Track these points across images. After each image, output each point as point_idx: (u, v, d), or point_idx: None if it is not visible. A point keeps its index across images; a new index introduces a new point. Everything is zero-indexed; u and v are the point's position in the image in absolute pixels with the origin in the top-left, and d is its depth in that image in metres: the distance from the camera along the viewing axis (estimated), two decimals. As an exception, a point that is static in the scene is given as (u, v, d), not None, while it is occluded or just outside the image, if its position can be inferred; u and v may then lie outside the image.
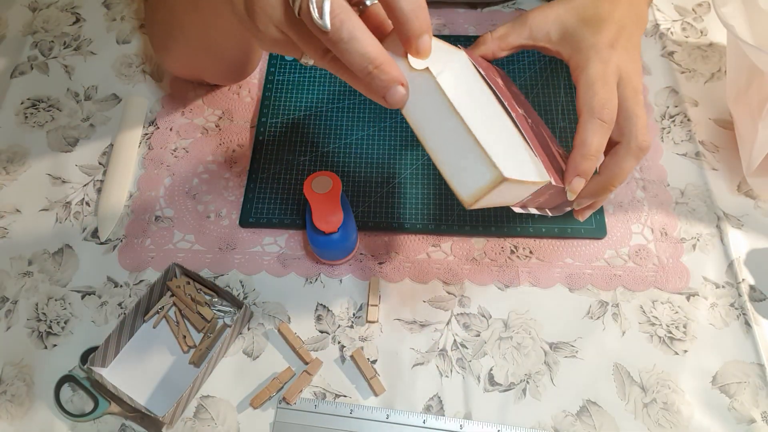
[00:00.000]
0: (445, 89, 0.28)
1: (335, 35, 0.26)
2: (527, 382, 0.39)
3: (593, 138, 0.33)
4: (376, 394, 0.39)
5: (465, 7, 0.56)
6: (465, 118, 0.27)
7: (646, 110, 0.50)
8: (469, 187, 0.28)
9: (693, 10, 0.56)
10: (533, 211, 0.35)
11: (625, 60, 0.34)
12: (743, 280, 0.43)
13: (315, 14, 0.26)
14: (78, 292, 0.43)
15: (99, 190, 0.48)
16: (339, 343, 0.41)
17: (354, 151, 0.48)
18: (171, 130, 0.50)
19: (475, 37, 0.54)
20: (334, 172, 0.44)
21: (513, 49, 0.37)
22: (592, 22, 0.35)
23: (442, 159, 0.28)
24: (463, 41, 0.54)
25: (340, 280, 0.43)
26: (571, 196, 0.34)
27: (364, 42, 0.26)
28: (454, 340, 0.41)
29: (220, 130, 0.50)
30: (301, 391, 0.39)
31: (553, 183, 0.32)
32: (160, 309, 0.42)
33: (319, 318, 0.42)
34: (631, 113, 0.33)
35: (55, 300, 0.43)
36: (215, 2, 0.34)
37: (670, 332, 0.41)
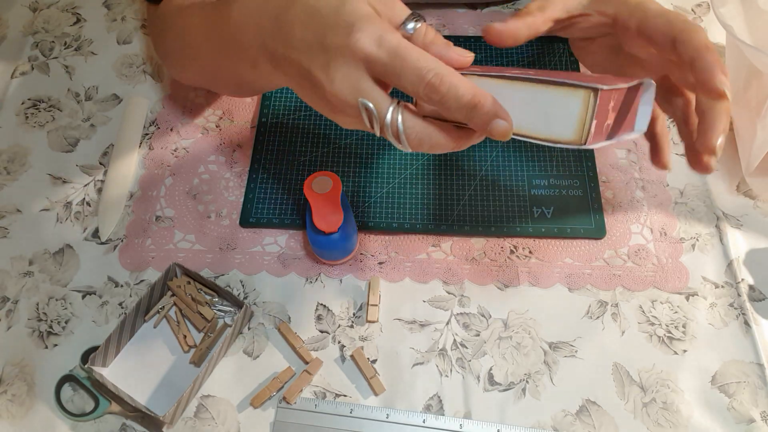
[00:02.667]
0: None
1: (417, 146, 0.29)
2: (527, 381, 0.40)
3: (725, 110, 0.30)
4: (376, 394, 0.39)
5: (465, 8, 0.57)
6: (521, 76, 0.28)
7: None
8: (571, 124, 0.27)
9: (692, 10, 0.56)
10: (626, 137, 0.31)
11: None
12: (742, 279, 0.43)
13: (394, 141, 0.29)
14: (79, 291, 0.44)
15: (100, 190, 0.48)
16: (339, 342, 0.41)
17: (354, 151, 0.48)
18: (172, 130, 0.51)
19: (476, 37, 0.54)
20: (334, 172, 0.44)
21: (552, 22, 0.34)
22: None
23: (539, 128, 0.28)
24: (463, 41, 0.54)
25: (340, 280, 0.43)
26: (706, 169, 0.31)
27: (453, 105, 0.27)
28: (454, 340, 0.41)
29: (220, 130, 0.50)
30: (302, 390, 0.39)
31: (624, 85, 0.29)
32: (161, 309, 0.42)
33: (319, 318, 0.42)
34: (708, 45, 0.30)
35: (56, 300, 0.43)
36: (252, 59, 0.33)
37: (670, 332, 0.41)
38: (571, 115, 0.27)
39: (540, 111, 0.28)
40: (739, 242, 0.44)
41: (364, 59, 0.28)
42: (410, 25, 0.29)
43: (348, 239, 0.41)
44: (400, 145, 0.29)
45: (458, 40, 0.54)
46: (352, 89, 0.28)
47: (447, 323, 0.42)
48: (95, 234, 0.46)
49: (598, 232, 0.44)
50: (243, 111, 0.51)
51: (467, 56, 0.29)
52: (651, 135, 0.35)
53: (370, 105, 0.28)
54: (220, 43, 0.37)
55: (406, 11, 0.30)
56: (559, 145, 0.28)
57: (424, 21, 0.30)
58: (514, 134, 0.29)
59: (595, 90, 0.26)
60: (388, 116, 0.28)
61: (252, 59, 0.33)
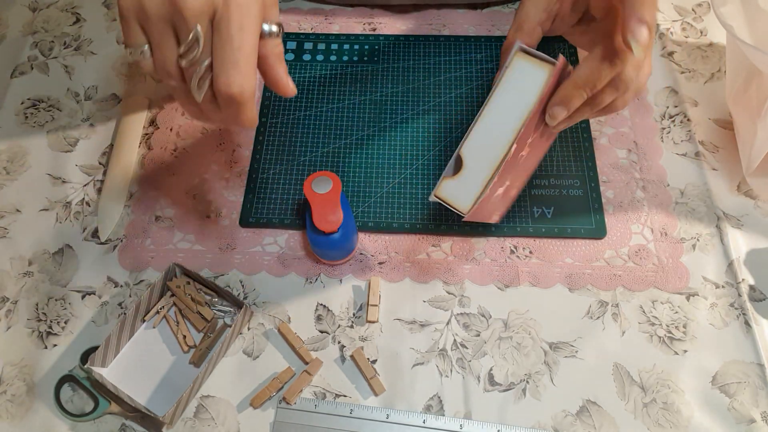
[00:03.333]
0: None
1: (203, 104, 0.30)
2: (527, 381, 0.39)
3: (624, 96, 0.33)
4: (376, 394, 0.39)
5: (465, 8, 0.57)
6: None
7: (646, 110, 0.50)
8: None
9: (693, 10, 0.56)
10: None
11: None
12: (743, 280, 0.43)
13: (194, 89, 0.29)
14: (78, 292, 0.44)
15: (99, 190, 0.48)
16: (339, 342, 0.41)
17: (354, 151, 0.48)
18: (171, 130, 0.50)
19: (476, 37, 0.54)
20: (334, 172, 0.44)
21: (538, 31, 0.35)
22: None
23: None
24: (463, 41, 0.54)
25: (340, 280, 0.43)
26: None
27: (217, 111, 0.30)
28: (454, 340, 0.41)
29: (220, 130, 0.50)
30: (301, 390, 0.39)
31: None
32: (161, 309, 0.42)
33: (319, 318, 0.42)
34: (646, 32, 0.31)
35: (56, 300, 0.43)
36: None
37: (670, 332, 0.41)
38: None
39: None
40: (740, 242, 0.44)
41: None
42: (266, 27, 0.30)
43: (348, 239, 0.41)
44: (194, 90, 0.29)
45: (458, 40, 0.54)
46: (203, 6, 0.27)
47: (447, 323, 0.42)
48: (95, 234, 0.46)
49: (598, 232, 0.44)
50: (243, 111, 0.51)
51: (292, 89, 0.32)
52: None
53: (201, 38, 0.28)
54: None
55: (277, 17, 0.31)
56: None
57: (282, 28, 0.31)
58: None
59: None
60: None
61: None
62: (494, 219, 0.41)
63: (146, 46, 0.29)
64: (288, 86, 0.32)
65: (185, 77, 0.29)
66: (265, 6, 0.30)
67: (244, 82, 0.28)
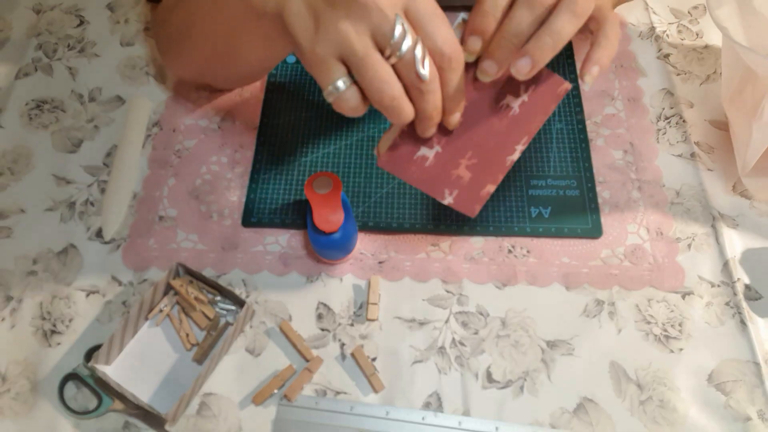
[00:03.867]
0: None
1: (428, 86, 0.29)
2: (525, 379, 0.40)
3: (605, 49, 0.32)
4: (375, 391, 0.40)
5: (464, 11, 0.57)
6: None
7: (642, 112, 0.51)
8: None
9: (688, 12, 0.57)
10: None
11: None
12: (738, 279, 0.43)
13: (419, 66, 0.28)
14: (82, 291, 0.44)
15: (103, 191, 0.48)
16: (339, 340, 0.42)
17: (354, 152, 0.49)
18: (174, 131, 0.51)
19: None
20: (335, 173, 0.45)
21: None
22: None
23: None
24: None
25: (341, 279, 0.44)
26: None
27: (438, 96, 0.30)
28: (453, 338, 0.41)
29: (222, 131, 0.51)
30: (302, 388, 0.40)
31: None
32: (164, 307, 0.43)
33: (319, 316, 0.43)
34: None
35: (60, 299, 0.44)
36: (254, 4, 0.33)
37: (666, 331, 0.41)
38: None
39: None
40: (735, 242, 0.44)
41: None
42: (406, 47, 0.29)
43: (348, 239, 0.41)
44: (423, 70, 0.29)
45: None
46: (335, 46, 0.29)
47: (446, 321, 0.42)
48: (99, 234, 0.46)
49: (595, 232, 0.45)
50: (245, 112, 0.52)
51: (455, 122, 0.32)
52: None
53: (404, 26, 0.28)
54: (213, 18, 0.37)
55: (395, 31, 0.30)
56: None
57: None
58: None
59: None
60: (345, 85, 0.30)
61: (258, 9, 0.32)
62: (462, 207, 0.34)
63: (343, 78, 0.30)
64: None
65: (402, 76, 0.29)
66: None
67: (458, 45, 0.29)
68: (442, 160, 0.33)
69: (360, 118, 0.51)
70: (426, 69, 0.29)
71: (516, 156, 0.33)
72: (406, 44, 0.28)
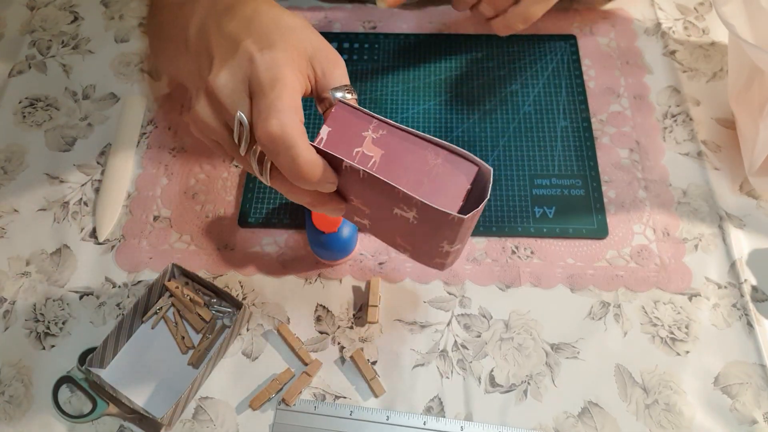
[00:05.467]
0: None
1: (271, 181, 0.30)
2: (528, 383, 0.39)
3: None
4: (376, 396, 0.39)
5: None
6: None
7: (648, 110, 0.50)
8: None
9: (695, 9, 0.56)
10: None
11: None
12: (745, 280, 0.42)
13: (256, 172, 0.29)
14: (76, 292, 0.43)
15: (97, 190, 0.48)
16: (339, 344, 0.41)
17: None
18: (169, 129, 0.50)
19: (476, 36, 0.54)
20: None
21: None
22: None
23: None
24: (463, 41, 0.54)
25: (340, 281, 0.43)
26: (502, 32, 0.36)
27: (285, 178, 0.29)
28: (455, 341, 0.41)
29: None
30: (301, 392, 0.39)
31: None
32: (159, 310, 0.42)
33: (318, 319, 0.42)
34: None
35: (53, 300, 0.43)
36: (176, 40, 0.33)
37: (672, 333, 0.41)
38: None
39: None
40: (742, 242, 0.44)
41: (251, 73, 0.28)
42: (339, 94, 0.30)
43: (348, 239, 0.40)
44: (260, 175, 0.29)
45: (458, 40, 0.54)
46: (231, 95, 0.28)
47: (448, 324, 0.41)
48: (93, 234, 0.46)
49: (600, 233, 0.44)
50: (242, 110, 0.51)
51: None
52: None
53: (245, 119, 0.28)
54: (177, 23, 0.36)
55: (345, 80, 0.30)
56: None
57: (355, 96, 0.30)
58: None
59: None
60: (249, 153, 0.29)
61: (191, 33, 0.32)
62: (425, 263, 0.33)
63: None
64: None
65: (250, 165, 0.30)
66: (323, 72, 0.29)
67: (283, 120, 0.26)
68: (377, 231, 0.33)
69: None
70: (264, 177, 0.29)
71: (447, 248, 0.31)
72: (242, 148, 0.29)
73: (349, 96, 0.30)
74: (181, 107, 0.51)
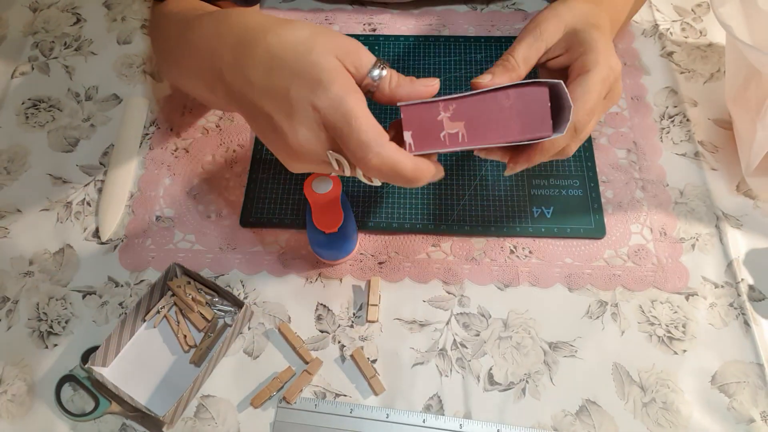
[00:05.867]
0: None
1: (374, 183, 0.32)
2: (527, 381, 0.40)
3: (561, 141, 0.34)
4: (376, 394, 0.39)
5: (465, 6, 0.57)
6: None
7: (646, 111, 0.50)
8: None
9: (692, 10, 0.56)
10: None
11: (616, 66, 0.34)
12: (742, 279, 0.43)
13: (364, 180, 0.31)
14: (79, 291, 0.44)
15: (100, 190, 0.48)
16: (339, 342, 0.41)
17: (354, 152, 0.48)
18: (171, 130, 0.51)
19: (476, 38, 0.54)
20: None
21: (531, 67, 0.36)
22: (598, 27, 0.35)
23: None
24: (463, 41, 0.54)
25: (341, 280, 0.43)
26: (507, 173, 0.36)
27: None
28: (454, 340, 0.41)
29: (220, 130, 0.50)
30: (302, 390, 0.39)
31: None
32: (161, 309, 0.42)
33: (319, 317, 0.42)
34: (590, 101, 0.33)
35: (56, 300, 0.43)
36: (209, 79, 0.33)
37: (669, 332, 0.41)
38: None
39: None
40: (739, 242, 0.44)
41: (322, 118, 0.29)
42: (375, 73, 0.30)
43: (348, 239, 0.41)
44: (370, 182, 0.32)
45: (458, 40, 0.54)
46: (318, 143, 0.29)
47: (447, 323, 0.42)
48: (95, 234, 0.46)
49: (598, 232, 0.44)
50: (243, 111, 0.51)
51: (433, 84, 0.31)
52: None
53: (341, 158, 0.30)
54: (183, 59, 0.37)
55: (372, 59, 0.30)
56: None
57: (389, 66, 0.31)
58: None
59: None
60: (358, 170, 0.31)
61: (209, 84, 0.33)
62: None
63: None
64: (430, 88, 0.31)
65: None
66: (354, 67, 0.30)
67: (378, 151, 0.29)
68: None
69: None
70: (376, 182, 0.31)
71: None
72: (347, 171, 0.31)
73: (384, 72, 0.30)
74: (183, 108, 0.52)
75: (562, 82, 0.30)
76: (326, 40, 0.30)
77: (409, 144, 0.30)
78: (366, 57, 0.30)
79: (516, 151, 0.35)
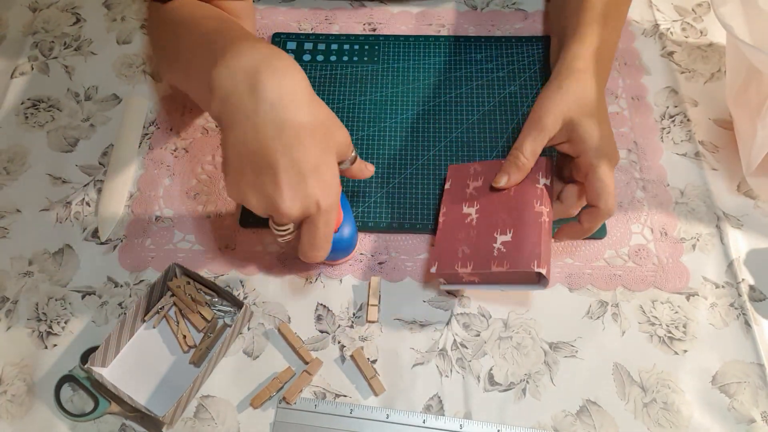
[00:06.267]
0: None
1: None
2: (527, 381, 0.39)
3: (596, 224, 0.38)
4: (376, 394, 0.39)
5: (466, 6, 0.57)
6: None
7: (646, 110, 0.50)
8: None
9: (693, 10, 0.56)
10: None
11: (614, 146, 0.38)
12: (743, 280, 0.43)
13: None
14: (78, 292, 0.44)
15: (99, 190, 0.48)
16: (339, 342, 0.41)
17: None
18: (171, 130, 0.50)
19: (476, 38, 0.54)
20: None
21: (537, 156, 0.40)
22: (592, 115, 0.38)
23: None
24: (463, 41, 0.54)
25: (340, 280, 0.43)
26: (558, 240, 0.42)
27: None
28: (454, 340, 0.41)
29: (220, 129, 0.50)
30: (301, 390, 0.39)
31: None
32: (161, 309, 0.42)
33: (319, 318, 0.42)
34: (609, 188, 0.37)
35: (56, 300, 0.43)
36: (202, 93, 0.35)
37: (670, 332, 0.41)
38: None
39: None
40: (740, 242, 0.44)
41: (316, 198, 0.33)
42: (351, 157, 0.37)
43: (348, 239, 0.41)
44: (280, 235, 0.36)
45: (458, 40, 0.54)
46: (295, 216, 0.33)
47: (447, 323, 0.42)
48: (95, 234, 0.46)
49: (598, 232, 0.44)
50: (243, 111, 0.51)
51: (370, 170, 0.39)
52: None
53: (287, 233, 0.35)
54: (182, 62, 0.38)
55: (352, 152, 0.37)
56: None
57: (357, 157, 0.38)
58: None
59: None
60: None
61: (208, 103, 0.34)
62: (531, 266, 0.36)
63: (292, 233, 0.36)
64: (369, 171, 0.40)
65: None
66: (340, 155, 0.35)
67: (325, 253, 0.35)
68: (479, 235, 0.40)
69: (360, 118, 0.50)
70: (283, 244, 0.38)
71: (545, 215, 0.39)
72: (284, 235, 0.36)
73: (351, 156, 0.37)
74: (183, 108, 0.52)
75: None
76: (340, 139, 0.35)
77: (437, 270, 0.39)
78: (351, 149, 0.37)
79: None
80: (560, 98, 0.38)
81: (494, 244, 0.38)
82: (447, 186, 0.43)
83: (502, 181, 0.40)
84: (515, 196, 0.40)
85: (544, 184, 0.40)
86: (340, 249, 0.41)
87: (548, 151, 0.41)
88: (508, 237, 0.38)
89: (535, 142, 0.38)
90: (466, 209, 0.41)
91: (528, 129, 0.39)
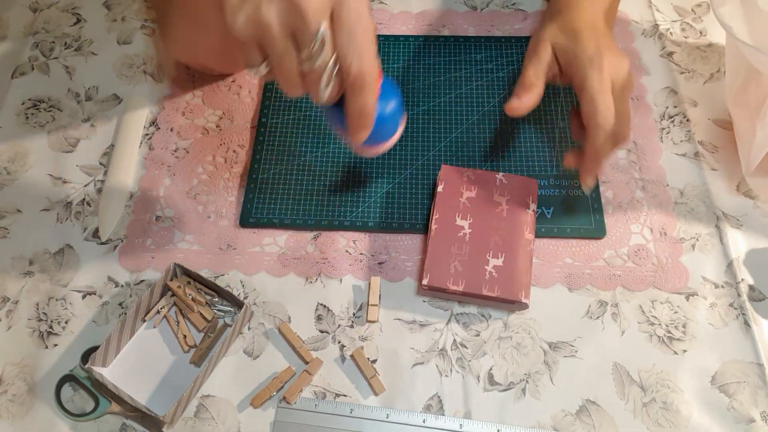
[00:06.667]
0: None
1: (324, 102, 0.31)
2: (527, 381, 0.40)
3: (600, 145, 0.37)
4: (376, 394, 0.39)
5: (465, 7, 0.57)
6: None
7: (646, 111, 0.50)
8: None
9: (692, 10, 0.56)
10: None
11: (613, 61, 0.37)
12: (742, 279, 0.43)
13: (322, 88, 0.29)
14: (79, 292, 0.44)
15: (100, 191, 0.48)
16: (339, 342, 0.41)
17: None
18: (171, 130, 0.51)
19: (475, 38, 0.54)
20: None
21: (545, 82, 0.40)
22: (576, 32, 0.38)
23: None
24: (463, 41, 0.54)
25: (340, 280, 0.43)
26: (586, 190, 0.42)
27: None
28: (454, 340, 0.41)
29: (220, 130, 0.50)
30: (302, 390, 0.39)
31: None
32: (161, 309, 0.42)
33: (319, 317, 0.42)
34: (619, 111, 0.36)
35: (56, 300, 0.43)
36: None
37: (670, 332, 0.41)
38: None
39: None
40: (739, 242, 0.44)
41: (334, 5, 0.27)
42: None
43: (393, 115, 0.34)
44: (318, 91, 0.30)
45: (458, 40, 0.54)
46: (321, 7, 0.27)
47: (447, 323, 0.42)
48: (95, 234, 0.46)
49: (598, 232, 0.44)
50: (243, 111, 0.51)
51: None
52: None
53: (328, 37, 0.28)
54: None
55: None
56: None
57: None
58: None
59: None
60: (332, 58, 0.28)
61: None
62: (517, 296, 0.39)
63: (264, 65, 0.29)
64: None
65: (308, 82, 0.30)
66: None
67: (373, 63, 0.29)
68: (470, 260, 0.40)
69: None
70: (326, 93, 0.29)
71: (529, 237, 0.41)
72: (320, 60, 0.28)
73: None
74: (183, 108, 0.52)
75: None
76: None
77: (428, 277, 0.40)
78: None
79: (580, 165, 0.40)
80: (545, 31, 0.39)
81: (486, 267, 0.40)
82: (440, 189, 0.43)
83: (514, 104, 0.38)
84: (508, 218, 0.41)
85: (533, 210, 0.42)
86: (386, 125, 0.34)
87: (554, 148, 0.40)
88: (499, 262, 0.40)
89: (536, 69, 0.39)
90: (459, 221, 0.41)
91: (526, 60, 0.40)
